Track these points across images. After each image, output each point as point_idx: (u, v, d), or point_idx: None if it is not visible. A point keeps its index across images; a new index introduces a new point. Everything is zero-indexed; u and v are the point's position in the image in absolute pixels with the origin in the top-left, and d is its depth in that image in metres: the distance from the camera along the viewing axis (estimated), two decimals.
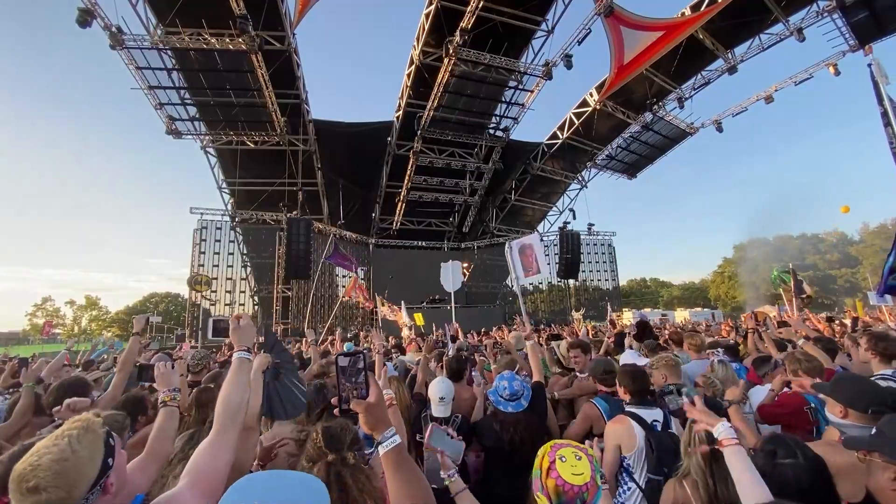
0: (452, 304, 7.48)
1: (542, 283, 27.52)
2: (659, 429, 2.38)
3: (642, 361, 3.53)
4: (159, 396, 1.87)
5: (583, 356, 3.99)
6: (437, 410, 2.84)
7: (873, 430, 1.40)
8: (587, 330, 10.59)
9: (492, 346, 6.04)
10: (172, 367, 1.98)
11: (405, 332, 11.83)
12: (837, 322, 8.36)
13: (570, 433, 2.95)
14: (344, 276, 22.82)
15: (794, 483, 1.39)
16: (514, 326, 12.28)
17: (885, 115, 3.43)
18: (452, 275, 7.89)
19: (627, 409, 2.53)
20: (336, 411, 1.15)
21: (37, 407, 2.74)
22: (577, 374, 3.92)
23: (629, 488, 2.30)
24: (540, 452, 1.46)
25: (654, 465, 2.24)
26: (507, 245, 6.32)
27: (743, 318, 9.81)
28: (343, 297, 13.68)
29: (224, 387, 1.50)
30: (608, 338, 5.69)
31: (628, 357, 3.54)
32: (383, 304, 13.13)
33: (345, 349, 8.97)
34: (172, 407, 1.81)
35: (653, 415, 2.43)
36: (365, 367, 1.17)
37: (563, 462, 1.35)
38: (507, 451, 2.55)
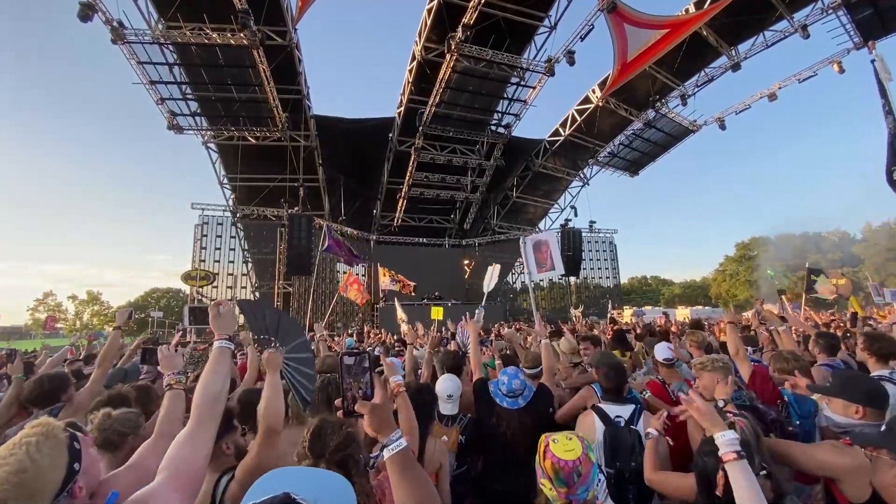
0: (483, 301, 7.50)
1: (542, 280, 27.53)
2: (622, 424, 2.45)
3: (669, 356, 3.51)
4: (164, 380, 1.86)
5: (593, 349, 4.05)
6: (445, 408, 2.82)
7: (882, 428, 1.39)
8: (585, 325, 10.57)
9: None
10: (175, 351, 1.97)
11: (403, 328, 11.84)
12: (837, 323, 8.34)
13: (562, 410, 3.11)
14: (345, 272, 22.86)
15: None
16: (513, 326, 12.25)
17: (885, 105, 3.46)
18: (492, 276, 8.00)
19: (600, 404, 2.60)
20: (340, 413, 1.12)
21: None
22: (586, 367, 3.96)
23: (600, 479, 2.35)
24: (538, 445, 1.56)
25: (608, 458, 2.35)
26: (521, 240, 6.30)
27: (748, 317, 9.81)
28: (339, 292, 13.57)
29: (203, 376, 1.45)
30: (606, 334, 5.70)
31: (661, 350, 3.51)
32: (385, 276, 13.09)
33: (346, 345, 8.97)
34: (178, 390, 1.80)
35: (619, 410, 2.51)
36: (370, 367, 1.14)
37: (556, 443, 1.47)
38: (500, 444, 2.59)
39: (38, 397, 2.57)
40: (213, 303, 1.67)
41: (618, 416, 2.47)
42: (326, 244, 12.13)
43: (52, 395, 2.60)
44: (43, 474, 0.99)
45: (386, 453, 1.07)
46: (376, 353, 6.61)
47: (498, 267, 8.32)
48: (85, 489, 1.09)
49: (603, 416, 2.49)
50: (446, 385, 2.87)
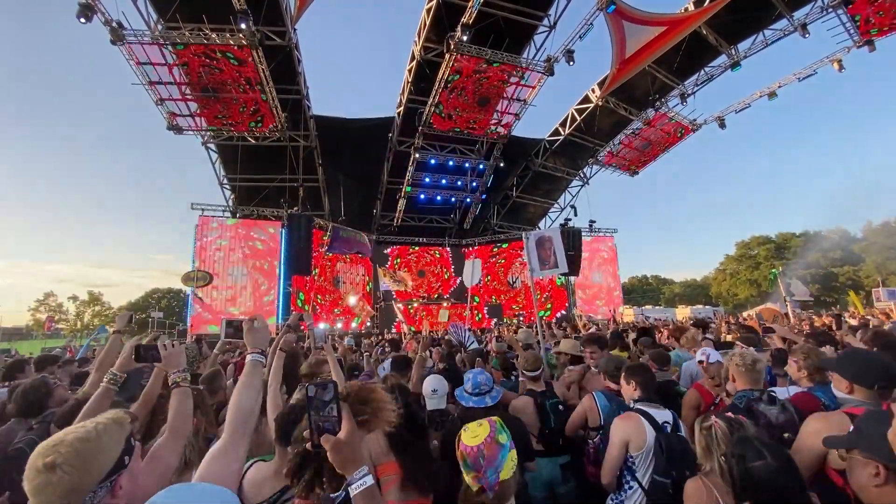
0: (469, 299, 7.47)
1: (544, 278, 27.52)
2: (668, 430, 2.29)
3: (717, 357, 3.33)
4: (169, 378, 1.84)
5: (599, 352, 3.87)
6: (431, 403, 2.82)
7: (851, 428, 1.38)
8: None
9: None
10: (173, 346, 1.94)
11: (403, 328, 11.90)
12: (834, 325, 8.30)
13: (568, 424, 3.01)
14: (346, 272, 22.85)
15: (769, 485, 1.36)
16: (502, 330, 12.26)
17: None
18: (473, 271, 7.94)
19: (637, 406, 2.43)
20: (308, 445, 1.06)
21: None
22: (593, 368, 3.88)
23: (631, 487, 2.25)
24: None
25: (663, 467, 2.17)
26: (524, 235, 6.28)
27: (749, 316, 9.82)
28: (357, 311, 13.52)
29: (236, 391, 1.46)
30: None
31: (714, 356, 3.31)
32: (385, 275, 13.19)
33: (345, 344, 8.96)
34: (185, 387, 1.79)
35: (663, 416, 2.34)
36: (335, 398, 1.06)
37: (466, 431, 1.50)
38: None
39: (25, 410, 2.55)
40: (248, 317, 1.69)
41: (665, 422, 2.31)
42: (332, 244, 12.11)
43: (36, 405, 2.58)
44: (100, 452, 1.06)
45: (351, 491, 1.03)
46: (385, 349, 6.59)
47: (478, 261, 8.33)
48: (124, 490, 1.12)
49: (651, 420, 2.31)
50: (431, 381, 2.89)
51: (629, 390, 2.56)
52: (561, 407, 3.20)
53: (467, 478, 1.44)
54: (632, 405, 2.51)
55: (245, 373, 1.52)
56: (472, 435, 1.49)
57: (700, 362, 3.47)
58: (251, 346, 1.60)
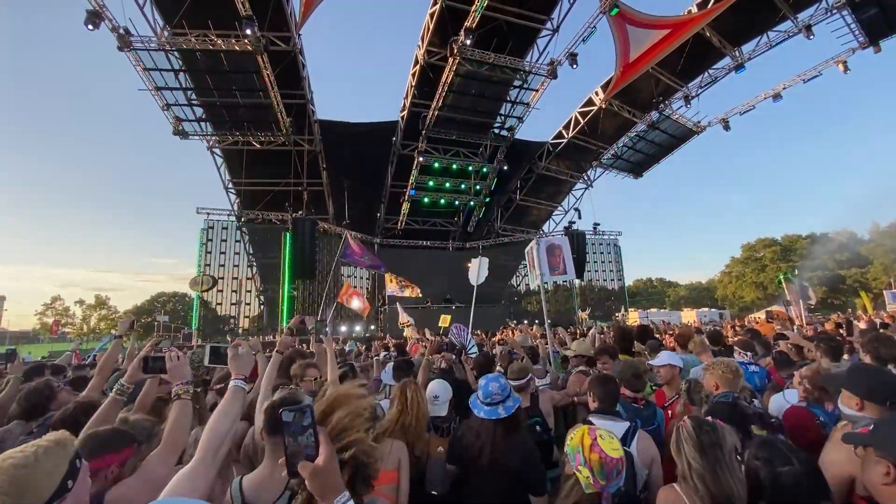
0: (474, 299, 7.32)
1: (547, 282, 27.47)
2: None
3: (678, 362, 3.38)
4: (172, 389, 1.86)
5: (611, 362, 3.67)
6: (433, 410, 2.80)
7: (871, 427, 1.40)
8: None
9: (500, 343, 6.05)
10: (178, 358, 1.96)
11: (408, 332, 11.87)
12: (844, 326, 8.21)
13: None
14: (349, 276, 22.92)
15: (795, 490, 1.40)
16: (520, 328, 12.23)
17: None
18: (480, 269, 7.77)
19: (590, 418, 2.38)
20: (284, 473, 1.02)
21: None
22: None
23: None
24: (577, 433, 1.64)
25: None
26: (534, 240, 6.25)
27: (756, 318, 9.75)
28: (338, 300, 13.51)
29: (213, 415, 1.47)
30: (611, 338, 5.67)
31: (665, 358, 3.32)
32: (392, 282, 13.15)
33: (346, 349, 8.95)
34: (186, 399, 1.81)
35: (612, 428, 2.22)
36: (313, 424, 1.03)
37: (603, 440, 1.57)
38: (475, 469, 2.30)
39: (25, 412, 2.58)
40: (232, 343, 1.73)
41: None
42: (346, 251, 12.16)
43: (38, 408, 2.61)
44: (39, 477, 1.03)
45: None
46: (381, 356, 6.61)
47: (486, 260, 8.13)
48: None
49: None
50: (434, 387, 2.89)
51: (589, 401, 2.55)
52: (538, 428, 3.01)
53: (588, 479, 1.51)
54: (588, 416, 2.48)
55: (225, 399, 1.50)
56: (612, 447, 1.56)
57: (650, 367, 3.46)
58: (235, 373, 1.60)
